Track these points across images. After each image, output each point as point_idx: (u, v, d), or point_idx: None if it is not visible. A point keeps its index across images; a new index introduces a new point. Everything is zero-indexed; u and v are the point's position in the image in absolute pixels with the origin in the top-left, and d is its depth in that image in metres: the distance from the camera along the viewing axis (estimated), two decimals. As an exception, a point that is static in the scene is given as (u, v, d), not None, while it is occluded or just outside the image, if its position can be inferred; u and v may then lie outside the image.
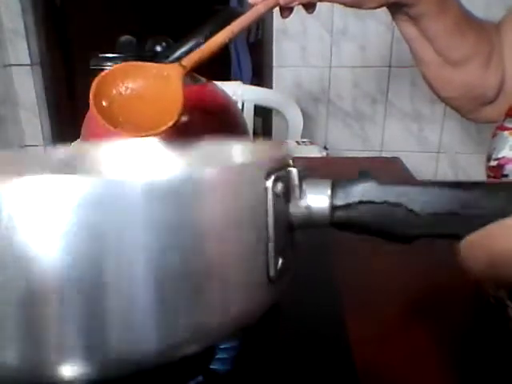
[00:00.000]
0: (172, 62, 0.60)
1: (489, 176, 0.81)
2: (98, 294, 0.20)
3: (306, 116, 1.59)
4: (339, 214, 0.29)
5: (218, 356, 0.37)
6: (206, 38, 0.58)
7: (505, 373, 0.37)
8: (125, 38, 0.62)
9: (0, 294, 0.19)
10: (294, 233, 0.31)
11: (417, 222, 0.29)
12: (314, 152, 1.35)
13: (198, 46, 0.58)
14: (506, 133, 0.77)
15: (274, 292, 0.29)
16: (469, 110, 0.56)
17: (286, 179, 0.28)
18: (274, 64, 1.80)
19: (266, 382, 0.38)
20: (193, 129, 0.63)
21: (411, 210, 0.28)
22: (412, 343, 0.42)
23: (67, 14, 2.20)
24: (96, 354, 0.20)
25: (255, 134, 1.78)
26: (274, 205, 0.26)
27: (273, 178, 0.26)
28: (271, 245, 0.27)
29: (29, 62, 1.91)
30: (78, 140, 0.73)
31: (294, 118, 1.54)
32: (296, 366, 0.39)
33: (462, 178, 1.90)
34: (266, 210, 0.26)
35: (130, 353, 0.21)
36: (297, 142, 1.46)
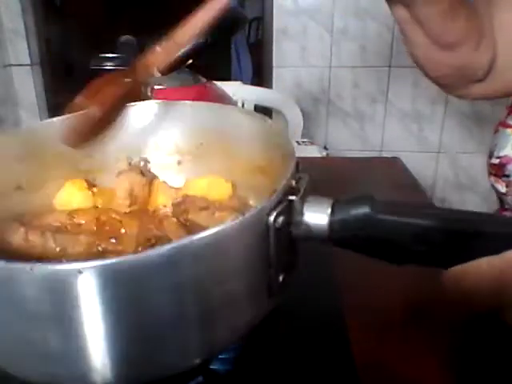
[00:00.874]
0: (171, 63, 0.60)
1: (490, 173, 0.80)
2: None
3: (306, 116, 1.59)
4: (337, 234, 0.31)
5: (218, 356, 0.37)
6: (207, 39, 0.58)
7: (505, 372, 0.37)
8: (125, 38, 0.62)
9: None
10: (296, 243, 0.32)
11: (407, 253, 0.30)
12: (314, 152, 1.35)
13: (198, 45, 0.58)
14: (508, 130, 0.77)
15: (274, 302, 0.31)
16: (457, 87, 0.55)
17: (287, 209, 0.29)
18: (274, 64, 1.80)
19: (266, 381, 0.38)
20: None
21: (403, 245, 0.30)
22: (412, 343, 0.42)
23: (67, 13, 2.20)
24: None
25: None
26: (276, 236, 0.28)
27: (274, 214, 0.28)
28: (273, 268, 0.29)
29: (29, 62, 1.91)
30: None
31: (294, 118, 1.54)
32: (296, 366, 0.39)
33: (462, 178, 1.90)
34: (269, 243, 0.28)
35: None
36: (297, 142, 1.46)
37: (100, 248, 0.36)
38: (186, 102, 0.45)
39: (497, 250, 0.28)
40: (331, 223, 0.30)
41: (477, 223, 0.29)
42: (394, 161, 0.93)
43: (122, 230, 0.39)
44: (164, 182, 0.45)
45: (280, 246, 0.29)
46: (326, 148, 1.75)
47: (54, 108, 2.05)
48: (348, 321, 0.44)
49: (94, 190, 0.44)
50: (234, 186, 0.43)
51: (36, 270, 0.24)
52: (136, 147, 0.46)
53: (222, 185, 0.43)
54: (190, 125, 0.45)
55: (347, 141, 1.87)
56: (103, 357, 0.26)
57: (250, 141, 0.41)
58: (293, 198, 0.30)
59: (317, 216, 0.31)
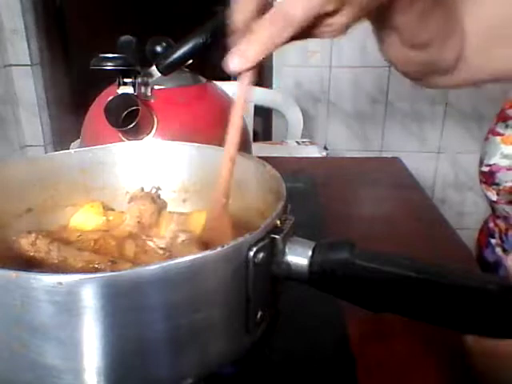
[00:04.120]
0: (172, 63, 0.60)
1: (480, 181, 0.80)
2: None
3: (306, 116, 1.59)
4: (316, 276, 0.32)
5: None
6: (207, 39, 0.58)
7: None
8: (125, 37, 0.62)
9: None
10: (277, 282, 0.33)
11: (382, 301, 0.31)
12: (313, 152, 1.35)
13: (198, 46, 0.58)
14: (497, 139, 0.77)
15: (251, 338, 0.33)
16: (423, 79, 0.55)
17: (268, 246, 0.30)
18: (274, 64, 1.80)
19: (266, 381, 0.38)
20: (193, 129, 0.63)
21: (379, 292, 0.31)
22: (412, 343, 0.42)
23: (67, 13, 2.19)
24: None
25: (255, 133, 1.78)
26: (255, 271, 0.29)
27: (254, 250, 0.29)
28: (251, 303, 0.30)
29: (29, 62, 1.90)
30: (78, 140, 0.73)
31: (294, 118, 1.54)
32: (296, 366, 0.39)
33: (462, 178, 1.90)
34: (247, 277, 0.30)
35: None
36: (297, 142, 1.46)
37: (98, 267, 0.37)
38: (194, 144, 0.48)
39: (468, 304, 0.29)
40: (311, 265, 0.31)
41: (450, 276, 0.30)
42: (394, 161, 0.94)
43: (117, 255, 0.40)
44: (171, 212, 0.48)
45: (259, 282, 0.30)
46: (326, 148, 1.75)
47: (54, 108, 2.05)
48: (348, 321, 0.44)
49: (110, 217, 0.46)
50: (237, 221, 0.45)
51: (20, 277, 0.24)
52: (145, 183, 0.49)
53: None
54: (197, 166, 0.48)
55: (347, 141, 1.87)
56: (88, 369, 0.27)
57: (250, 184, 0.43)
58: (275, 236, 0.31)
59: (298, 257, 0.32)
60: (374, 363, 0.40)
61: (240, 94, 0.37)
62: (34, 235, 0.38)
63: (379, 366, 0.39)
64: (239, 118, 0.37)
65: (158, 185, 0.49)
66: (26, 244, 0.38)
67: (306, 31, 0.35)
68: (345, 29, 0.37)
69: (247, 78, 0.37)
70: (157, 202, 0.47)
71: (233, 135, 0.37)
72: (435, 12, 0.45)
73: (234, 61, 0.36)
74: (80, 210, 0.46)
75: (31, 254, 0.37)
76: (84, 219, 0.45)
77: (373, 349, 0.41)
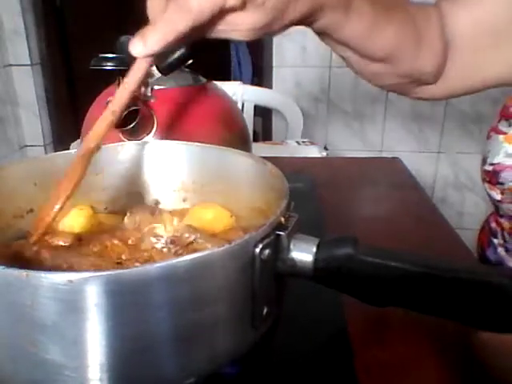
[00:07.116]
0: (172, 63, 0.60)
1: (484, 179, 0.80)
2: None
3: (306, 116, 1.59)
4: (320, 272, 0.32)
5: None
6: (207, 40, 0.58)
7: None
8: (125, 37, 0.61)
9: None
10: (282, 279, 0.34)
11: (387, 295, 0.32)
12: (313, 152, 1.34)
13: (198, 46, 0.58)
14: (500, 137, 0.77)
15: (257, 334, 0.33)
16: (408, 91, 0.52)
17: (274, 243, 0.31)
18: (274, 64, 1.80)
19: (266, 381, 0.38)
20: (193, 129, 0.64)
21: (383, 286, 0.31)
22: (412, 343, 0.42)
23: (67, 13, 2.20)
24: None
25: (255, 133, 1.78)
26: (261, 268, 0.30)
27: (260, 246, 0.29)
28: (257, 300, 0.31)
29: (29, 62, 1.90)
30: (78, 140, 0.73)
31: (294, 118, 1.54)
32: (296, 366, 0.39)
33: (462, 178, 1.90)
34: (253, 274, 0.30)
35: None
36: (297, 142, 1.46)
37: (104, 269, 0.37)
38: (194, 144, 0.48)
39: (472, 298, 0.29)
40: (316, 261, 0.32)
41: (454, 270, 0.30)
42: (394, 161, 0.94)
43: (124, 257, 0.40)
44: (170, 212, 0.47)
45: (265, 278, 0.30)
46: (326, 148, 1.75)
47: (54, 108, 2.05)
48: (348, 321, 0.44)
49: (101, 219, 0.46)
50: (237, 219, 0.45)
51: (31, 277, 0.24)
52: (145, 182, 0.50)
53: (226, 217, 0.45)
54: (197, 165, 0.48)
55: (347, 141, 1.87)
56: (96, 366, 0.27)
57: (251, 183, 0.43)
58: (280, 233, 0.31)
59: (302, 253, 0.32)
60: (374, 363, 0.40)
61: (133, 75, 0.38)
62: (35, 248, 0.38)
63: (379, 366, 0.39)
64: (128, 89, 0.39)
65: (157, 197, 0.49)
66: (30, 252, 0.38)
67: (213, 28, 0.35)
68: (253, 31, 0.37)
69: (145, 63, 0.37)
70: (155, 215, 0.47)
71: (120, 96, 0.40)
72: (389, 24, 0.43)
73: (136, 45, 0.35)
74: (68, 214, 0.45)
75: (36, 261, 0.37)
76: (72, 223, 0.45)
77: (373, 348, 0.41)
